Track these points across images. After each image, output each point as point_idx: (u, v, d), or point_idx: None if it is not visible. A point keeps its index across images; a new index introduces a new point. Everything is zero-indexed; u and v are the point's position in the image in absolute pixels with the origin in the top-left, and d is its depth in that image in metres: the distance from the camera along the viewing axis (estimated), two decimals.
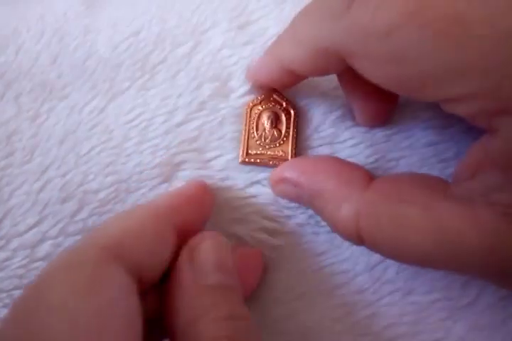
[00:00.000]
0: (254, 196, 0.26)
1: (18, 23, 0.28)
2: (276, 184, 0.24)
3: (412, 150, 0.26)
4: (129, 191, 0.26)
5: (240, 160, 0.26)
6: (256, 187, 0.26)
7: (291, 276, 0.26)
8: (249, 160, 0.26)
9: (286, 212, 0.26)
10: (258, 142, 0.26)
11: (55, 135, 0.26)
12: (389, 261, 0.25)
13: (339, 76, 0.25)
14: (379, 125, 0.26)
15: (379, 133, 0.26)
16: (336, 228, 0.22)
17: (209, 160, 0.26)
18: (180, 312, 0.19)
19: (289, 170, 0.23)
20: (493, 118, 0.17)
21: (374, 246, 0.20)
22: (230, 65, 0.27)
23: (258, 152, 0.26)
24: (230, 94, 0.27)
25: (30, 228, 0.25)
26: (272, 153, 0.26)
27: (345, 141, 0.26)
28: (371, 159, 0.26)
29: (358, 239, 0.20)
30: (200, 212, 0.24)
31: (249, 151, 0.26)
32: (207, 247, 0.21)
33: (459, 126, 0.26)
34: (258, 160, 0.26)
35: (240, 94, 0.27)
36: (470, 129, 0.26)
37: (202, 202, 0.24)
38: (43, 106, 0.27)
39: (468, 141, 0.26)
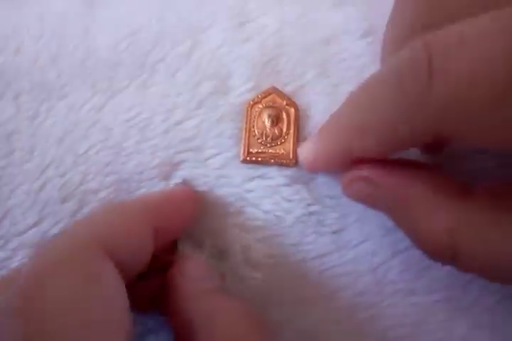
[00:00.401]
0: (252, 190, 0.26)
1: (17, 23, 0.28)
2: (351, 182, 0.22)
3: None
4: (129, 191, 0.26)
5: (241, 158, 0.26)
6: (256, 181, 0.26)
7: (293, 278, 0.25)
8: (251, 159, 0.26)
9: (286, 205, 0.25)
10: (259, 140, 0.26)
11: (54, 134, 0.26)
12: (392, 262, 0.25)
13: None
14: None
15: None
16: (422, 241, 0.19)
17: (207, 159, 0.26)
18: (192, 316, 0.20)
19: (372, 170, 0.21)
20: None
21: (471, 264, 0.18)
22: (229, 62, 0.27)
23: (259, 150, 0.26)
24: (229, 92, 0.27)
25: (30, 227, 0.25)
26: (274, 152, 0.26)
27: None
28: None
29: (450, 254, 0.18)
30: (181, 219, 0.24)
31: (250, 150, 0.26)
32: (191, 264, 0.22)
33: None
34: (259, 159, 0.26)
35: (240, 92, 0.27)
36: None
37: (185, 208, 0.24)
38: (42, 106, 0.27)
39: None
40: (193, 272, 0.21)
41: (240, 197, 0.26)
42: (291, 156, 0.26)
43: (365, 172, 0.21)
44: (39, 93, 0.27)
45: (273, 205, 0.26)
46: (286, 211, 0.25)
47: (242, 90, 0.27)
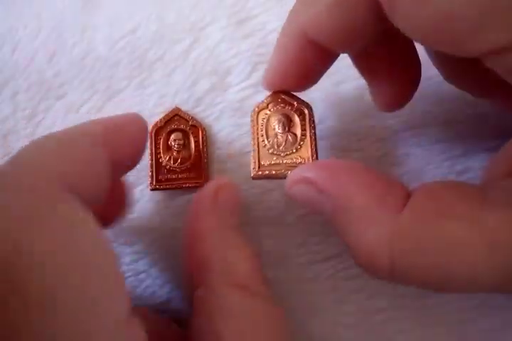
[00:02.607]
0: (254, 188, 0.25)
1: (14, 21, 0.28)
2: (294, 184, 0.20)
3: (419, 147, 0.25)
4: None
5: (252, 174, 0.22)
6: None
7: (302, 283, 0.25)
8: (263, 173, 0.22)
9: (287, 204, 0.25)
10: (271, 151, 0.22)
11: None
12: None
13: (357, 60, 0.23)
14: (397, 108, 0.24)
15: (387, 129, 0.25)
16: (359, 253, 0.18)
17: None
18: (210, 253, 0.20)
19: (314, 171, 0.19)
20: None
21: (408, 276, 0.17)
22: (228, 59, 0.27)
23: (272, 162, 0.22)
24: (228, 89, 0.26)
25: None
26: (290, 161, 0.22)
27: (352, 134, 0.25)
28: (378, 154, 0.25)
29: (387, 268, 0.17)
30: (136, 147, 0.21)
31: (262, 162, 0.22)
32: (229, 190, 0.22)
33: (467, 123, 0.25)
34: (273, 172, 0.22)
35: (240, 87, 0.26)
36: (478, 127, 0.25)
37: (138, 137, 0.21)
38: (39, 105, 0.26)
39: (476, 139, 0.25)
40: (226, 204, 0.21)
41: (243, 194, 0.25)
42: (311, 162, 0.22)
43: (309, 173, 0.19)
44: (36, 92, 0.27)
45: (275, 203, 0.25)
46: (288, 209, 0.25)
47: (242, 86, 0.26)
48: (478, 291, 0.17)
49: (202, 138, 0.25)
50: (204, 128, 0.25)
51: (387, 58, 0.21)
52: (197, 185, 0.25)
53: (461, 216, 0.16)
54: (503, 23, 0.14)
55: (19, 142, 0.26)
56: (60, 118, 0.26)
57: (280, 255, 0.25)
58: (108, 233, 0.25)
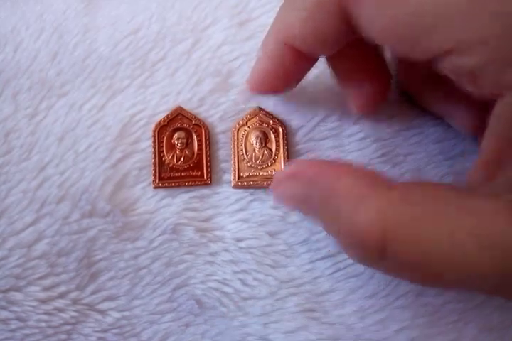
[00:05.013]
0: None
1: (17, 21, 0.28)
2: (281, 182, 0.20)
3: (419, 146, 0.26)
4: (128, 186, 0.25)
5: (232, 184, 0.25)
6: None
7: (302, 284, 0.25)
8: (242, 184, 0.25)
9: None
10: (249, 163, 0.25)
11: (54, 133, 0.26)
12: None
13: (331, 62, 0.24)
14: (371, 112, 0.25)
15: (387, 129, 0.26)
16: (353, 234, 0.18)
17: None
18: None
19: (300, 165, 0.20)
20: (501, 73, 0.15)
21: (399, 255, 0.17)
22: (231, 61, 0.27)
23: (250, 174, 0.25)
24: (232, 89, 0.27)
25: (27, 227, 0.25)
26: (265, 174, 0.25)
27: (352, 134, 0.26)
28: (378, 153, 0.25)
29: (380, 246, 0.17)
30: None
31: (241, 174, 0.25)
32: None
33: None
34: (251, 183, 0.25)
35: (242, 88, 0.26)
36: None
37: None
38: (41, 104, 0.26)
39: (475, 139, 0.25)
40: None
41: (248, 192, 0.25)
42: None
43: (292, 169, 0.20)
44: (39, 91, 0.27)
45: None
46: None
47: (244, 87, 0.26)
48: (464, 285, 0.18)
49: (205, 137, 0.26)
50: (207, 128, 0.26)
51: (358, 61, 0.23)
52: (199, 183, 0.25)
53: (448, 201, 0.17)
54: (452, 26, 0.15)
55: (20, 141, 0.26)
56: (61, 117, 0.26)
57: (282, 253, 0.25)
58: (109, 229, 0.25)
